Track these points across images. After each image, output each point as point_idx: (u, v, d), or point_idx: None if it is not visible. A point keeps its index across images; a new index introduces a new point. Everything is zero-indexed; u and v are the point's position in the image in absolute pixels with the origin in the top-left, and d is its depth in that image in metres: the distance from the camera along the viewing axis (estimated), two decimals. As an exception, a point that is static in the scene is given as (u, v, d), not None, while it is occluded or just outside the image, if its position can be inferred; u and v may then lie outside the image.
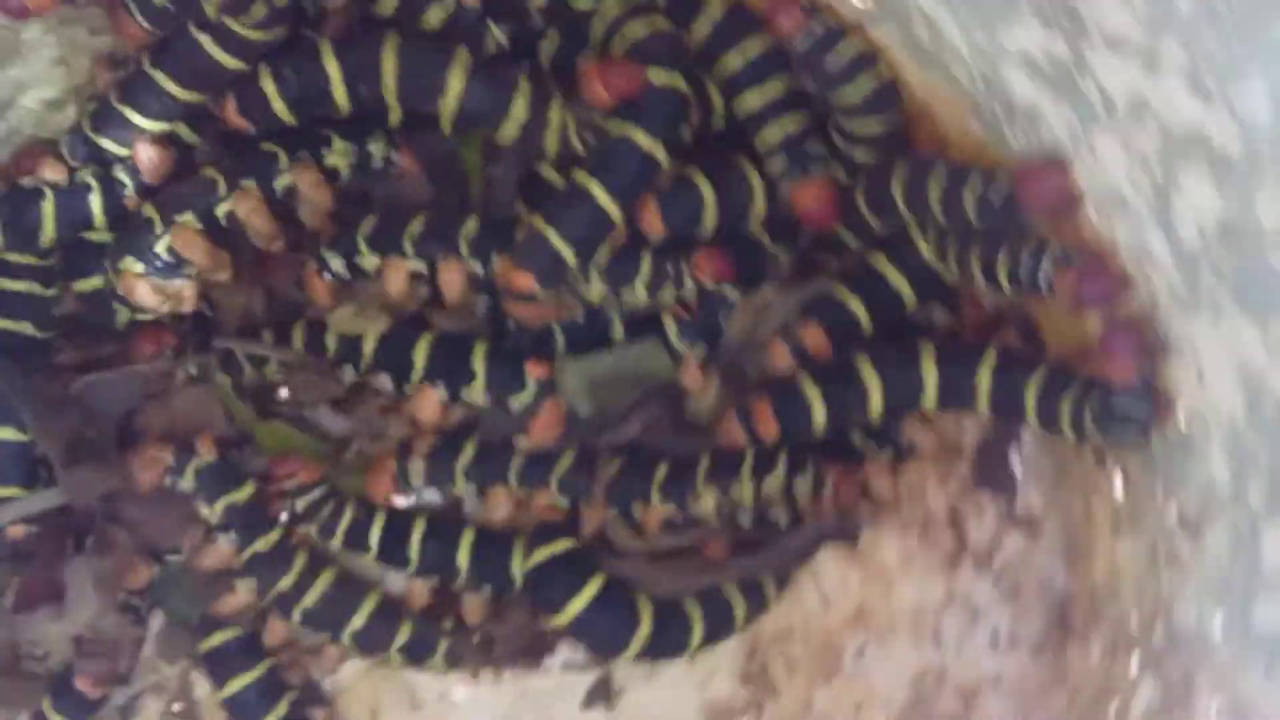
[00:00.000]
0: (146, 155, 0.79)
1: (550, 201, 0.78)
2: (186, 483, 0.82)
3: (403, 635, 0.85)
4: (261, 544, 0.83)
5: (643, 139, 0.75)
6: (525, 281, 0.77)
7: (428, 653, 0.86)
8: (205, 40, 0.75)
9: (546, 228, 0.76)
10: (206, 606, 0.86)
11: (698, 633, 0.84)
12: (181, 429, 0.84)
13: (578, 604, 0.83)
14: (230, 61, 0.76)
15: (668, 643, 0.84)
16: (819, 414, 0.78)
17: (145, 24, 0.76)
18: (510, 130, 0.79)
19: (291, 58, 0.78)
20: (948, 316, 0.83)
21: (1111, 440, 0.70)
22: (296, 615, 0.84)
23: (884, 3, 0.67)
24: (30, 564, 0.84)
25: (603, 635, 0.84)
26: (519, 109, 0.78)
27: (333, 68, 0.77)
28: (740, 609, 0.85)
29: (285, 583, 0.84)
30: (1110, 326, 0.65)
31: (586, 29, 0.80)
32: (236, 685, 0.85)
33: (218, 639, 0.86)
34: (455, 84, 0.77)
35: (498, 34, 0.80)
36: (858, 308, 0.80)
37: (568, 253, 0.77)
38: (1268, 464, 0.58)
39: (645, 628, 0.83)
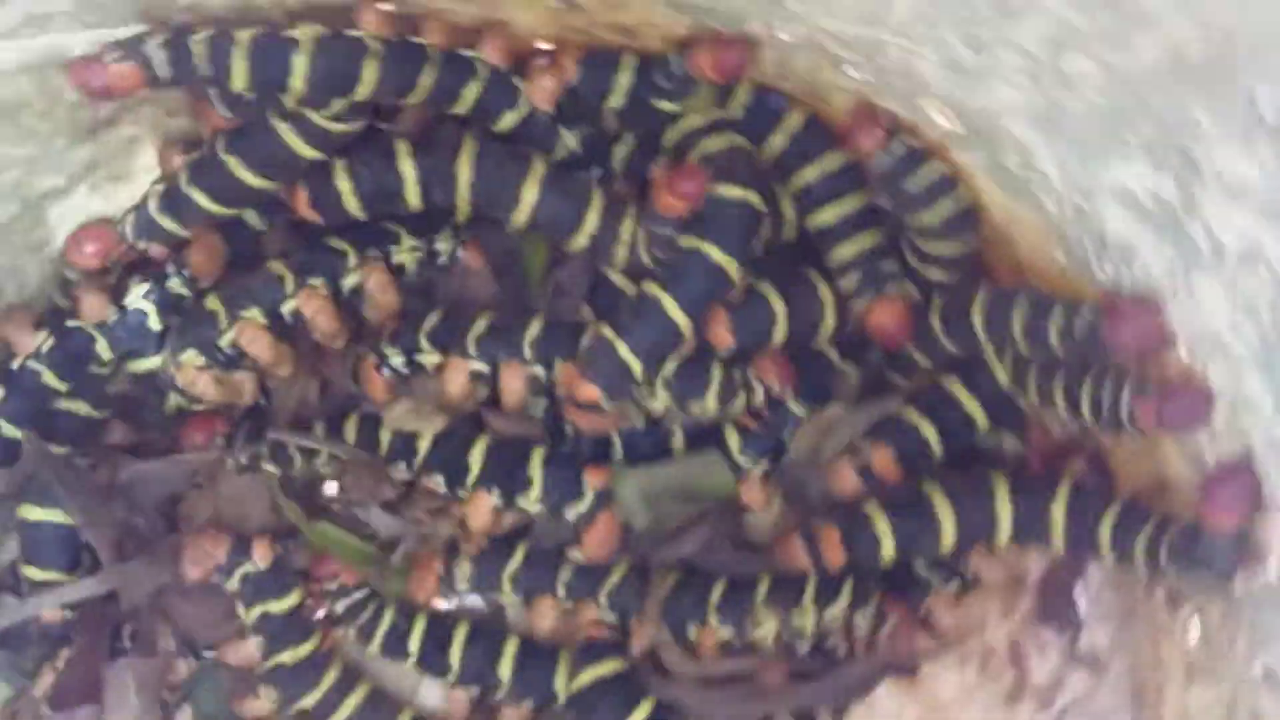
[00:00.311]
0: (196, 258, 0.78)
1: (619, 311, 0.76)
2: (232, 583, 0.80)
3: None
4: (288, 656, 0.80)
5: (715, 253, 0.74)
6: (590, 392, 0.76)
7: None
8: (284, 129, 0.75)
9: (615, 338, 0.75)
10: (231, 704, 0.83)
11: None
12: (227, 520, 0.82)
13: None
14: (307, 151, 0.76)
15: None
16: (888, 545, 0.76)
17: (226, 113, 0.76)
18: (580, 241, 0.78)
19: (366, 155, 0.77)
20: (1017, 444, 0.81)
21: (1190, 583, 0.67)
22: None
23: (974, 128, 0.65)
24: (66, 650, 0.81)
25: None
26: (591, 222, 0.77)
27: (408, 170, 0.77)
28: None
29: (310, 699, 0.81)
30: (1219, 470, 0.62)
31: (661, 134, 0.79)
32: None
33: None
34: (529, 196, 0.77)
35: (569, 139, 0.79)
36: (929, 431, 0.78)
37: (635, 364, 0.75)
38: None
39: None
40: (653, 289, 0.75)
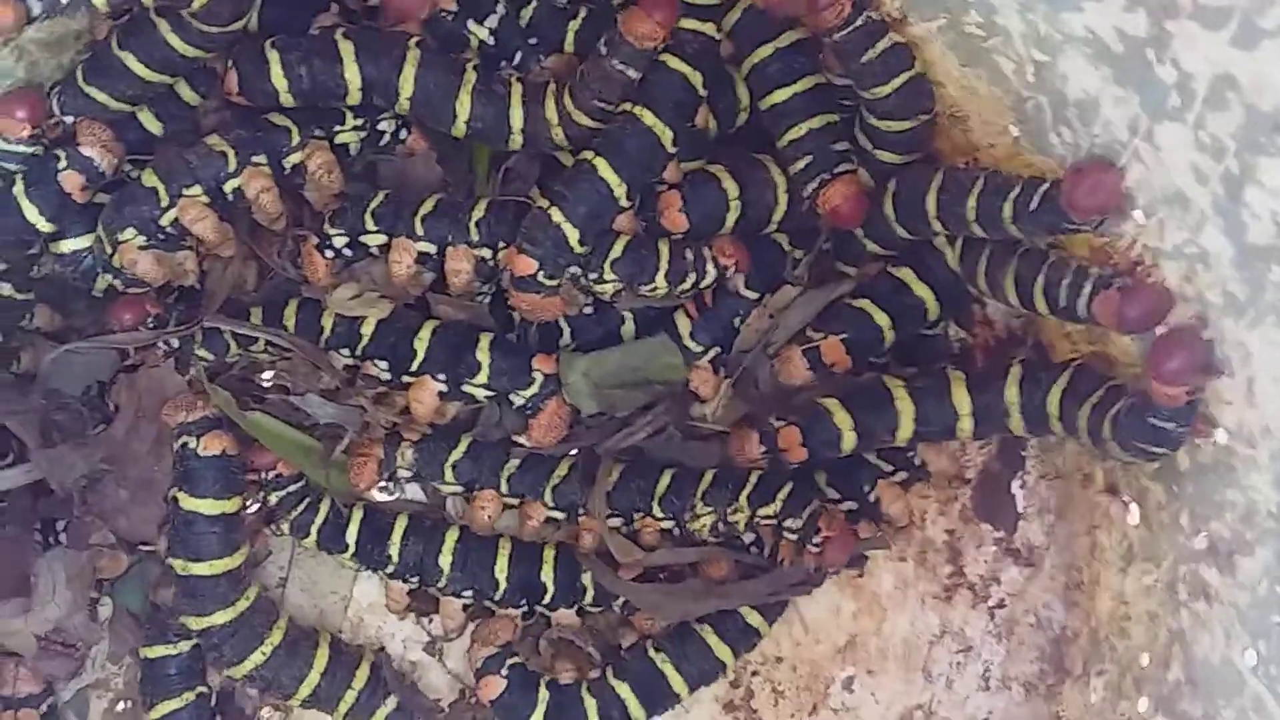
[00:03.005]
0: (88, 141, 0.74)
1: (555, 181, 0.75)
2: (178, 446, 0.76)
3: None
4: (204, 569, 0.76)
5: (649, 118, 0.73)
6: (526, 264, 0.74)
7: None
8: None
9: (550, 206, 0.73)
10: (153, 596, 0.80)
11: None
12: (149, 408, 0.78)
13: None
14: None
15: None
16: (849, 438, 0.76)
17: None
18: (516, 142, 0.77)
19: (307, 51, 0.74)
20: (962, 334, 0.82)
21: (1132, 455, 0.67)
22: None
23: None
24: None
25: None
26: (516, 120, 0.76)
27: (352, 74, 0.75)
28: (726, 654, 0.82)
29: (221, 618, 0.77)
30: (1163, 345, 0.62)
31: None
32: (164, 710, 0.80)
33: (159, 652, 0.80)
34: (463, 110, 0.75)
35: (480, 32, 0.78)
36: (881, 319, 0.78)
37: (572, 233, 0.73)
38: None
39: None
40: (587, 155, 0.73)
